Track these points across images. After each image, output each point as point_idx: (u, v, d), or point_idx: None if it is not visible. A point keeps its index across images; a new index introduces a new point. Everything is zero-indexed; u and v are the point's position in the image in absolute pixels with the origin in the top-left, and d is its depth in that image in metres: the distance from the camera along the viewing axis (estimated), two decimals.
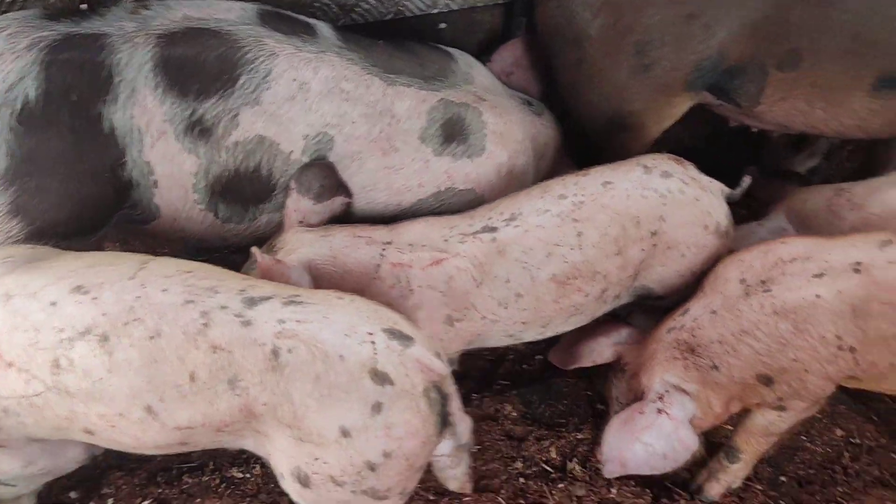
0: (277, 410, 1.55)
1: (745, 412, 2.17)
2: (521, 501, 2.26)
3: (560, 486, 2.30)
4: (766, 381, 1.99)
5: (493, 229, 2.09)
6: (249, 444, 1.68)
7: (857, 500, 2.31)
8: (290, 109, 2.07)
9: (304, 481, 1.61)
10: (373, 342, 1.57)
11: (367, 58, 2.19)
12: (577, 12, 2.37)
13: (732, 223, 2.28)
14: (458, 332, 2.08)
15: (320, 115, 2.10)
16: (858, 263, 1.93)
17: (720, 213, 2.23)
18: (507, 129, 2.39)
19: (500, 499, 2.25)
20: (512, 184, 2.35)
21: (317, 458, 1.57)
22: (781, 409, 2.06)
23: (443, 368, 1.62)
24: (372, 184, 2.26)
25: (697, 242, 2.19)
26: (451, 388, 1.69)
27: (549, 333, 2.24)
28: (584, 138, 2.63)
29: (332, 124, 2.12)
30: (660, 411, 1.98)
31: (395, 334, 1.60)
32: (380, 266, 2.00)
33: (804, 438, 2.50)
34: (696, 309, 2.06)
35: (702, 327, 2.02)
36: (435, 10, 2.64)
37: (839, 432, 2.52)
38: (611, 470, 2.02)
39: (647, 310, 2.43)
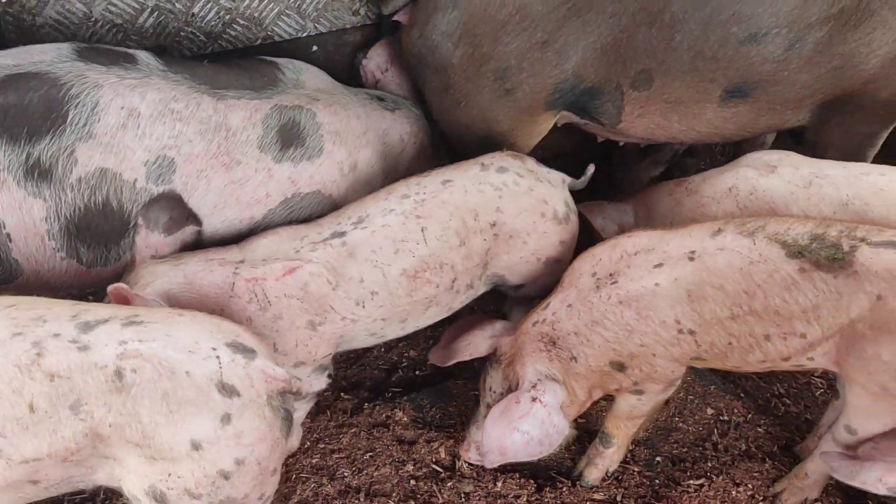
0: (125, 431, 1.61)
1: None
2: (412, 503, 2.36)
3: (449, 484, 2.40)
4: (620, 367, 2.14)
5: (342, 234, 2.22)
6: (102, 478, 1.72)
7: (727, 473, 2.47)
8: (124, 137, 2.09)
9: (160, 499, 1.67)
10: (217, 357, 1.65)
11: (192, 77, 2.23)
12: (439, 42, 2.48)
13: (574, 210, 2.46)
14: (321, 335, 2.18)
15: (156, 139, 2.13)
16: (692, 252, 2.09)
17: (558, 201, 2.41)
18: (345, 126, 2.47)
19: (391, 502, 2.35)
20: (360, 179, 2.46)
21: (171, 474, 1.64)
22: (639, 392, 2.21)
23: (284, 376, 1.73)
24: (222, 201, 2.30)
25: (537, 229, 2.37)
26: (299, 384, 1.79)
27: (409, 328, 2.38)
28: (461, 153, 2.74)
29: (169, 146, 2.15)
30: (534, 399, 2.11)
31: (238, 348, 1.69)
32: (234, 284, 2.08)
33: (678, 419, 2.66)
34: (555, 303, 2.20)
35: (560, 320, 2.16)
36: (304, 35, 2.72)
37: (710, 411, 2.69)
38: (492, 460, 2.14)
39: (521, 302, 2.57)
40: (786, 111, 2.71)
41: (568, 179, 2.50)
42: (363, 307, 2.21)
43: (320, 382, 1.99)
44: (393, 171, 2.58)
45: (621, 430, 2.37)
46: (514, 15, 2.40)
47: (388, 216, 2.25)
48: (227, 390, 1.64)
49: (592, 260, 2.20)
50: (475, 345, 2.32)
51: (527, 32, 2.43)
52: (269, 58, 2.52)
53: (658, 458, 2.55)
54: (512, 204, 2.34)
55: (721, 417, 2.67)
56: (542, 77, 2.51)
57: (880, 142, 2.86)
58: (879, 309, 1.94)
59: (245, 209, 2.33)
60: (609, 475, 2.46)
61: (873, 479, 2.03)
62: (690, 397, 2.72)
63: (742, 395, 2.75)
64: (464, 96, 2.56)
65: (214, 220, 2.29)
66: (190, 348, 1.64)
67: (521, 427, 2.09)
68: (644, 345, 2.10)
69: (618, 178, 3.34)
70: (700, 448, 2.58)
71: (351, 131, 2.48)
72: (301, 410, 2.33)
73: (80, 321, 1.63)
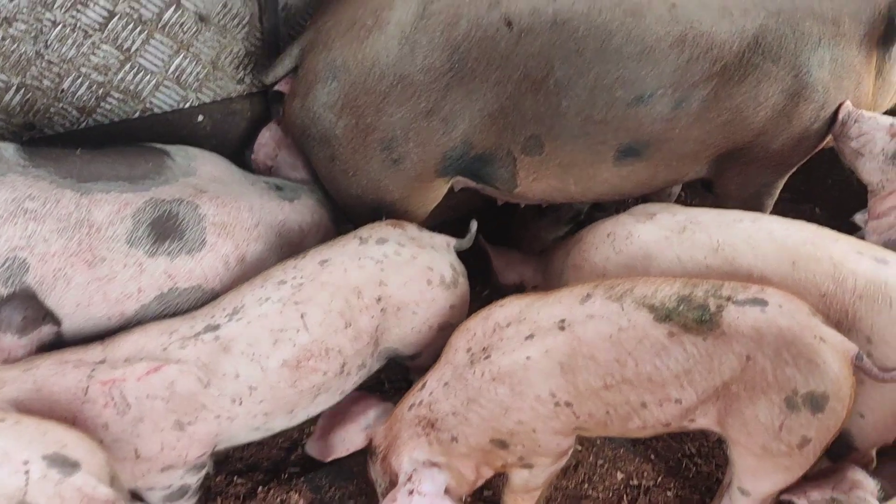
0: None
1: None
2: None
3: None
4: (501, 444, 2.05)
5: (216, 327, 2.09)
6: None
7: None
8: None
9: None
10: (27, 472, 1.53)
11: (57, 171, 2.13)
12: (321, 114, 2.41)
13: (462, 272, 2.40)
14: (192, 436, 2.03)
15: (5, 240, 2.03)
16: (562, 320, 2.02)
17: (444, 266, 2.34)
18: (233, 219, 2.37)
19: None
20: (248, 273, 2.34)
21: None
22: (528, 466, 2.12)
23: (109, 496, 1.59)
24: (86, 299, 2.17)
25: (425, 298, 2.28)
26: None
27: (300, 418, 2.24)
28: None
29: (20, 247, 2.05)
30: (411, 492, 2.00)
31: (57, 461, 1.56)
32: (88, 388, 1.94)
33: (587, 486, 2.57)
34: (432, 382, 2.11)
35: (437, 401, 2.06)
36: (186, 105, 2.64)
37: (620, 476, 2.61)
38: None
39: (420, 371, 2.47)
40: (682, 166, 2.69)
41: (453, 241, 2.43)
42: (240, 404, 2.06)
43: None
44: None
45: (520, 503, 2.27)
46: (395, 85, 2.35)
47: (264, 305, 2.13)
48: None
49: (467, 335, 2.13)
50: (349, 440, 2.21)
51: (410, 102, 2.37)
52: (160, 145, 2.41)
53: None
54: (396, 275, 2.25)
55: (631, 482, 2.59)
56: (429, 146, 2.45)
57: (777, 190, 2.86)
58: (750, 369, 1.90)
59: (114, 306, 2.21)
60: None
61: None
62: (600, 462, 2.63)
63: (652, 456, 2.67)
64: (351, 167, 2.49)
65: (78, 319, 2.17)
66: None
67: None
68: (522, 421, 2.01)
69: (518, 240, 3.29)
70: None
71: (240, 224, 2.38)
72: None
73: None
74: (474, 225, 2.50)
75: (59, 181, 2.12)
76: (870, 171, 2.61)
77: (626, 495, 2.55)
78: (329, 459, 2.26)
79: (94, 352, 2.04)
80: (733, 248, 2.25)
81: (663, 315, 1.96)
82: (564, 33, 2.36)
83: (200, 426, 2.03)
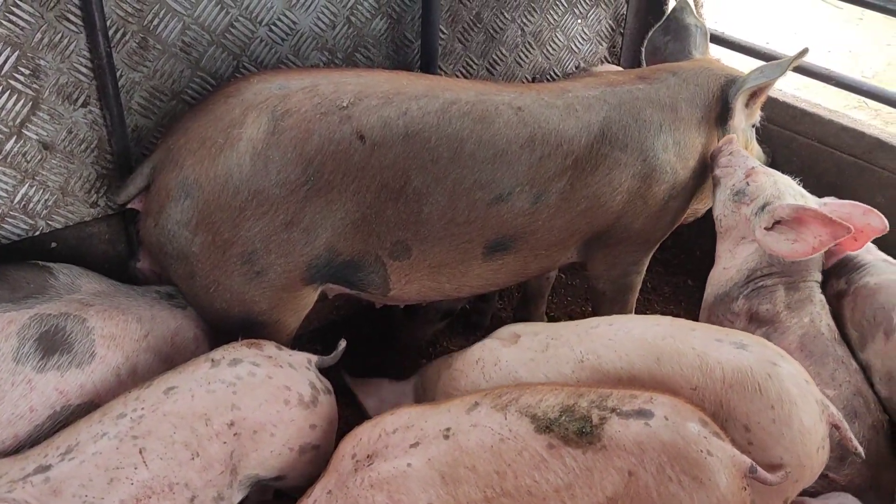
0: None
1: None
2: None
3: None
4: None
5: (47, 468, 1.96)
6: None
7: None
8: None
9: None
10: None
11: None
12: (175, 231, 2.38)
13: (325, 389, 2.35)
14: None
15: None
16: (448, 429, 2.00)
17: (302, 385, 2.27)
18: (121, 330, 2.34)
19: None
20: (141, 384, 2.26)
21: None
22: None
23: None
24: None
25: (282, 418, 2.20)
26: None
27: None
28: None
29: None
30: None
31: None
32: None
33: None
34: (317, 490, 2.05)
35: None
36: (36, 233, 2.56)
37: None
38: None
39: (290, 493, 2.38)
40: (552, 254, 2.77)
41: (315, 359, 2.38)
42: None
43: None
44: None
45: None
46: (250, 200, 2.33)
47: (99, 442, 2.02)
48: None
49: (353, 440, 2.09)
50: None
51: (268, 216, 2.36)
52: (41, 262, 2.40)
53: None
54: (249, 397, 2.17)
55: None
56: (292, 256, 2.43)
57: (644, 266, 2.97)
58: (633, 485, 1.88)
59: (6, 428, 2.12)
60: None
61: None
62: None
63: None
64: (212, 282, 2.44)
65: None
66: None
67: None
68: None
69: (401, 342, 3.27)
70: None
71: (129, 335, 2.35)
72: None
73: None
74: (342, 344, 2.46)
75: None
76: (717, 202, 2.77)
77: None
78: None
79: None
80: (596, 355, 2.29)
81: (544, 426, 1.95)
82: (417, 144, 2.42)
83: None
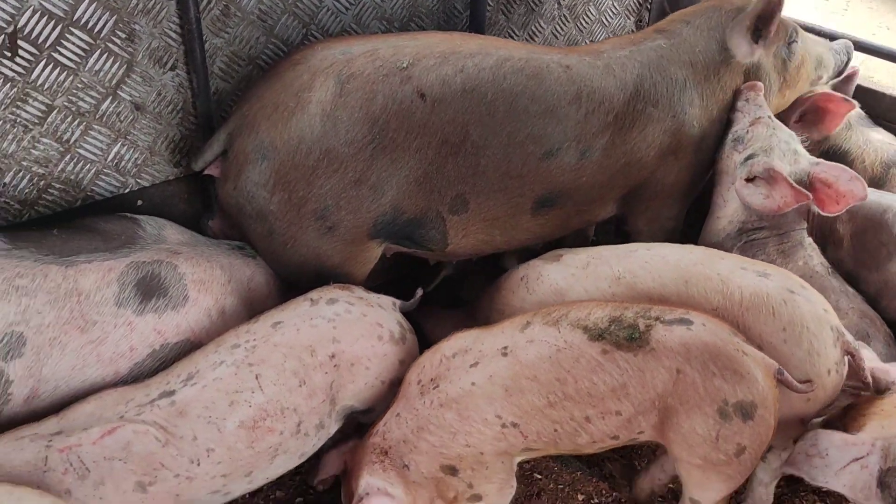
0: None
1: None
2: None
3: None
4: (452, 471, 2.16)
5: (171, 393, 2.15)
6: None
7: None
8: None
9: None
10: None
11: (38, 250, 2.25)
12: (254, 192, 2.54)
13: (410, 329, 2.53)
14: (154, 496, 2.06)
15: (1, 317, 2.11)
16: (505, 347, 2.20)
17: (392, 323, 2.46)
18: (209, 275, 2.51)
19: None
20: (228, 325, 2.45)
21: None
22: (477, 498, 2.21)
23: None
24: (81, 362, 2.25)
25: (376, 353, 2.39)
26: None
27: (258, 481, 2.28)
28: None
29: (16, 322, 2.13)
30: None
31: None
32: (48, 458, 1.97)
33: None
34: (387, 415, 2.25)
35: (390, 430, 2.19)
36: (126, 191, 2.72)
37: (580, 497, 2.73)
38: None
39: None
40: (593, 209, 2.96)
41: (398, 302, 2.58)
42: (198, 465, 2.10)
43: None
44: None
45: None
46: (322, 159, 2.51)
47: (218, 369, 2.20)
48: None
49: (417, 368, 2.28)
50: (330, 462, 2.33)
51: (338, 174, 2.53)
52: (130, 214, 2.58)
53: None
54: (348, 332, 2.36)
55: (592, 501, 2.73)
56: (361, 213, 2.61)
57: (681, 221, 3.15)
58: (681, 382, 2.09)
59: (108, 366, 2.29)
60: None
61: None
62: (560, 486, 2.76)
63: (608, 475, 2.83)
64: (289, 238, 2.62)
65: (74, 382, 2.23)
66: None
67: None
68: (470, 444, 2.14)
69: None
70: None
71: (215, 279, 2.52)
72: None
73: None
74: (420, 292, 2.65)
75: (42, 258, 2.23)
76: (723, 143, 2.93)
77: None
78: (315, 482, 2.38)
79: (49, 424, 2.08)
80: (633, 274, 2.49)
81: (596, 335, 2.15)
82: (474, 99, 2.60)
83: (161, 486, 2.06)
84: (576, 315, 2.22)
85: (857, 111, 3.31)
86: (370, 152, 2.54)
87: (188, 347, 2.41)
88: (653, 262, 2.52)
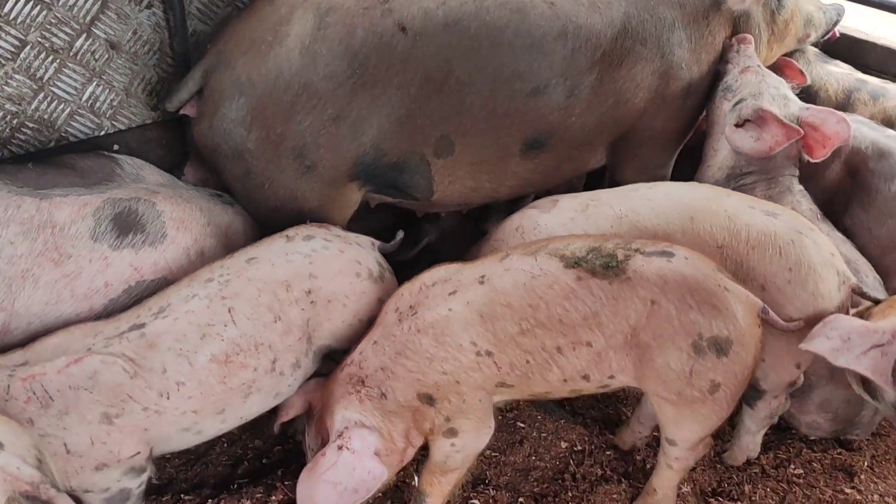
0: None
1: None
2: None
3: None
4: (429, 400, 2.12)
5: (142, 325, 2.11)
6: None
7: (587, 500, 2.47)
8: None
9: None
10: None
11: (13, 181, 2.23)
12: (231, 130, 2.49)
13: (388, 269, 2.48)
14: (121, 429, 2.01)
15: None
16: (482, 276, 2.16)
17: (370, 261, 2.42)
18: (188, 215, 2.48)
19: None
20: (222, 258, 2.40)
21: None
22: (453, 433, 2.17)
23: (33, 476, 1.59)
24: (55, 297, 2.22)
25: (354, 290, 2.35)
26: (51, 493, 1.62)
27: (231, 421, 2.23)
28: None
29: None
30: (340, 448, 2.05)
31: None
32: (9, 387, 1.93)
33: (534, 458, 2.64)
34: (363, 344, 2.20)
35: (367, 359, 2.14)
36: (101, 133, 2.68)
37: (563, 444, 2.69)
38: None
39: None
40: (583, 154, 2.90)
41: (377, 243, 2.53)
42: (168, 398, 2.06)
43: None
44: None
45: (435, 488, 2.29)
46: (300, 94, 2.46)
47: (191, 302, 2.16)
48: None
49: (396, 298, 2.24)
50: (291, 403, 2.27)
51: (317, 109, 2.48)
52: (107, 153, 2.55)
53: (521, 499, 2.51)
54: (325, 268, 2.32)
55: (575, 448, 2.68)
56: (340, 151, 2.56)
57: (669, 170, 3.10)
58: (656, 314, 2.04)
59: (82, 301, 2.26)
60: None
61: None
62: (543, 435, 2.72)
63: (590, 422, 2.79)
64: (266, 178, 2.57)
65: (48, 318, 2.20)
66: None
67: (330, 478, 2.01)
68: (446, 371, 2.09)
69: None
70: (559, 481, 2.57)
71: (195, 220, 2.49)
72: None
73: None
74: (401, 233, 2.61)
75: (17, 190, 2.21)
76: (714, 94, 2.89)
77: (573, 459, 2.64)
78: (276, 426, 2.33)
79: (14, 356, 2.04)
80: (636, 213, 2.42)
81: (572, 262, 2.11)
82: (458, 33, 2.54)
83: (128, 419, 2.02)
84: (555, 246, 2.18)
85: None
86: (350, 88, 2.48)
87: (165, 286, 2.35)
88: (656, 198, 2.46)
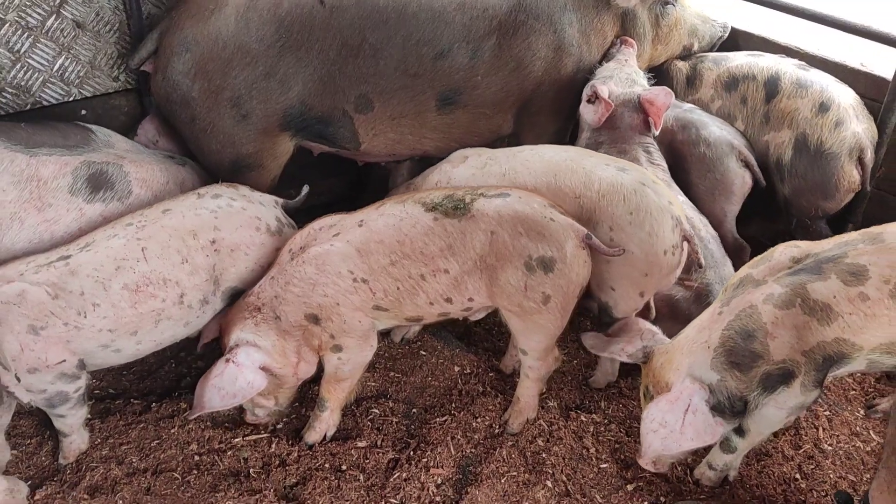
0: None
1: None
2: (195, 472, 2.70)
3: (229, 453, 2.76)
4: (314, 319, 2.62)
5: (68, 256, 2.56)
6: None
7: (468, 410, 2.96)
8: None
9: None
10: None
11: (9, 139, 2.70)
12: (179, 80, 3.00)
13: (288, 223, 2.94)
14: (46, 339, 2.46)
15: None
16: (361, 220, 2.67)
17: (270, 217, 2.87)
18: (150, 175, 2.96)
19: (175, 475, 2.67)
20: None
21: None
22: (338, 349, 2.67)
23: None
24: (37, 238, 2.71)
25: (254, 241, 2.80)
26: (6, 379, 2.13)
27: (146, 343, 2.68)
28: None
29: None
30: (227, 361, 2.57)
31: None
32: None
33: (430, 378, 3.14)
34: (263, 281, 2.70)
35: (264, 291, 2.66)
36: (70, 99, 3.18)
37: (456, 368, 3.19)
38: (197, 413, 2.57)
39: None
40: (494, 116, 3.36)
41: (281, 200, 3.00)
42: (84, 317, 2.49)
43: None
44: None
45: (332, 394, 2.78)
46: (236, 53, 2.96)
47: (111, 240, 2.60)
48: None
49: (290, 241, 2.75)
50: (207, 328, 2.82)
51: (250, 67, 2.99)
52: (82, 123, 3.01)
53: (414, 410, 3.01)
54: (228, 222, 2.76)
55: (465, 371, 3.18)
56: (270, 103, 3.05)
57: (564, 137, 3.53)
58: (496, 243, 2.54)
59: (58, 244, 2.70)
60: (373, 426, 2.89)
61: (617, 349, 2.64)
62: (440, 361, 3.21)
63: (480, 351, 3.29)
64: (208, 124, 3.06)
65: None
66: None
67: (215, 383, 2.55)
68: (327, 295, 2.59)
69: None
70: (448, 396, 3.06)
71: (156, 179, 2.97)
72: (70, 418, 2.66)
73: None
74: (305, 188, 3.05)
75: (12, 147, 2.69)
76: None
77: (461, 380, 3.14)
78: (199, 346, 2.87)
79: None
80: (515, 171, 2.90)
81: (431, 207, 2.62)
82: (368, 6, 3.04)
83: (52, 331, 2.46)
84: (420, 196, 2.69)
85: None
86: (278, 50, 2.99)
87: None
88: (532, 159, 2.92)
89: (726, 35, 3.83)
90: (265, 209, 2.89)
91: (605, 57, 3.43)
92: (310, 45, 3.01)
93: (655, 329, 2.76)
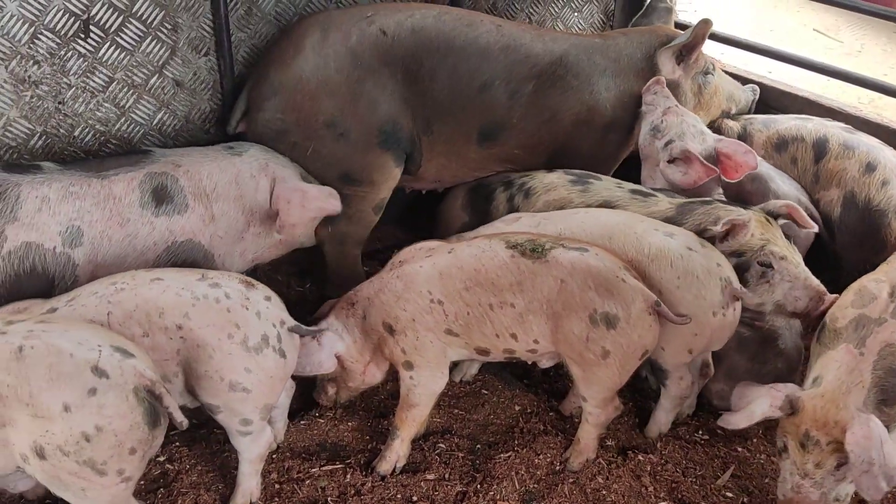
0: (18, 390, 2.12)
1: None
2: (276, 499, 2.88)
3: (307, 481, 2.95)
4: (390, 329, 2.86)
5: (55, 309, 2.51)
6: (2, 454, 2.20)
7: (530, 447, 3.12)
8: (40, 217, 2.76)
9: (40, 453, 2.13)
10: (100, 350, 2.19)
11: (83, 169, 2.91)
12: (272, 119, 3.30)
13: (278, 349, 2.64)
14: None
15: (64, 215, 2.80)
16: (452, 249, 2.90)
17: (253, 331, 2.56)
18: (205, 184, 3.05)
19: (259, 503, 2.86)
20: (220, 226, 3.07)
21: (47, 431, 2.11)
22: (409, 366, 2.89)
23: (153, 377, 2.27)
24: (123, 253, 2.91)
25: (221, 347, 2.52)
26: (161, 390, 2.28)
27: None
28: None
29: (75, 217, 2.82)
30: (313, 338, 2.87)
31: (119, 349, 2.24)
32: None
33: (492, 416, 3.31)
34: (365, 282, 3.00)
35: (362, 290, 2.95)
36: None
37: (517, 407, 3.35)
38: None
39: None
40: (529, 157, 3.61)
41: (291, 323, 2.70)
42: None
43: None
44: (254, 202, 3.16)
45: (404, 423, 2.96)
46: (322, 84, 3.27)
47: (90, 298, 2.52)
48: (99, 372, 2.16)
49: (396, 255, 3.00)
50: (323, 308, 3.11)
51: (337, 94, 3.28)
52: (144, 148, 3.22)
53: (478, 445, 3.18)
54: (201, 315, 2.52)
55: (526, 411, 3.35)
56: (365, 122, 3.33)
57: None
58: (564, 290, 2.73)
59: (140, 256, 2.94)
60: (439, 459, 3.06)
61: (765, 409, 2.60)
62: (501, 400, 3.38)
63: (540, 392, 3.45)
64: (309, 146, 3.32)
65: (119, 271, 2.80)
66: (79, 341, 2.21)
67: (300, 350, 2.80)
68: (406, 310, 2.82)
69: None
70: (510, 433, 3.23)
71: (204, 190, 3.06)
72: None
73: (6, 320, 2.27)
74: (324, 325, 2.96)
75: (87, 174, 2.91)
76: (641, 133, 3.56)
77: (522, 418, 3.30)
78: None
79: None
80: (571, 232, 3.07)
81: (512, 245, 2.84)
82: (422, 37, 3.36)
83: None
84: (507, 236, 2.92)
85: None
86: (357, 76, 3.30)
87: (191, 245, 3.01)
88: (587, 221, 3.13)
89: (757, 97, 4.10)
90: (254, 321, 2.58)
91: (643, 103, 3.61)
92: (381, 71, 3.32)
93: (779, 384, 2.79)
